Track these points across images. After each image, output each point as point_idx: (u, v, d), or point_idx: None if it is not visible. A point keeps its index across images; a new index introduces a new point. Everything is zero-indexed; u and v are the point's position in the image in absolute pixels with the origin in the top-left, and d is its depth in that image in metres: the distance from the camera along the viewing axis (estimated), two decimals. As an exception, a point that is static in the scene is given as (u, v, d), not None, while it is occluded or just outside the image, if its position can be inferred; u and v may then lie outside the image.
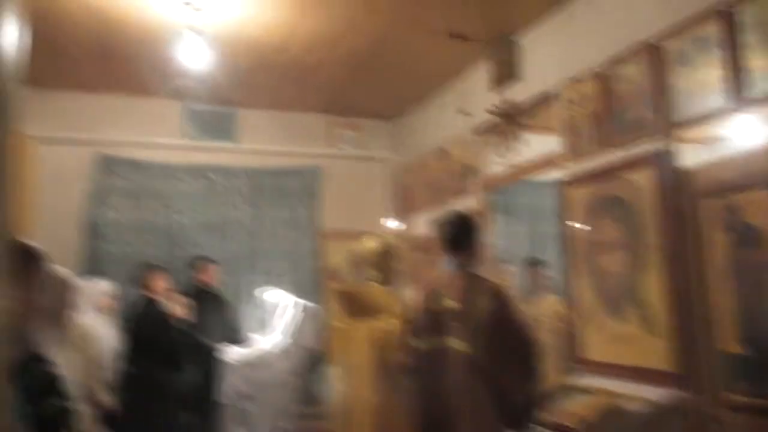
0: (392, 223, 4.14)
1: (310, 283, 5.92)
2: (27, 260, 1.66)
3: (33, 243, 1.74)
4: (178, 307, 4.66)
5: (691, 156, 3.81)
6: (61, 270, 2.03)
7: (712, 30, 2.75)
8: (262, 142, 5.95)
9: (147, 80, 5.11)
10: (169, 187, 5.64)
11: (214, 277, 5.23)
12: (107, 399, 4.13)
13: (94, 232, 5.38)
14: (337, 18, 4.02)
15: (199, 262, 5.25)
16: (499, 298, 2.75)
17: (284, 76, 5.04)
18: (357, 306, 3.46)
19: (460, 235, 2.97)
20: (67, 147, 5.34)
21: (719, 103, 2.73)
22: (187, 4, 3.76)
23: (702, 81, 2.82)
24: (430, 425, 2.85)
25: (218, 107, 5.83)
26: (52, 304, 1.88)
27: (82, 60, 4.70)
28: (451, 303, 2.85)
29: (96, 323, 4.22)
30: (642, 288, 3.16)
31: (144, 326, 4.38)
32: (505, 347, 2.70)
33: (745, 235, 2.66)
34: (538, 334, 4.58)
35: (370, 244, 3.51)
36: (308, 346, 5.10)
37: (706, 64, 2.79)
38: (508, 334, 2.71)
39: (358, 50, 4.54)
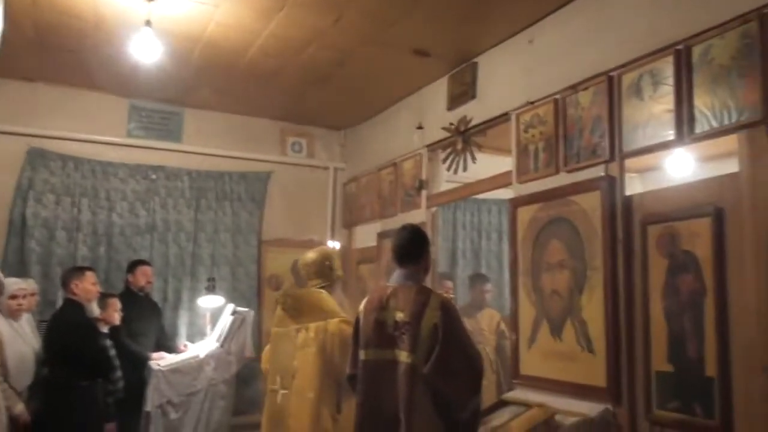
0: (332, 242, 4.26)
1: (249, 289, 5.83)
2: None
3: None
4: (108, 312, 4.51)
5: (637, 183, 4.02)
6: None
7: (666, 66, 2.92)
8: (209, 145, 5.83)
9: (92, 73, 4.96)
10: (107, 185, 5.43)
11: (148, 282, 5.08)
12: (20, 409, 3.89)
13: (19, 229, 5.10)
14: (302, 27, 4.01)
15: (133, 265, 5.09)
16: (447, 312, 2.79)
17: (238, 78, 4.97)
18: (302, 309, 3.54)
19: (411, 248, 3.02)
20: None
21: (666, 136, 2.90)
22: (147, -2, 3.68)
23: (652, 113, 2.98)
24: (375, 436, 2.86)
25: (165, 105, 5.70)
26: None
27: (23, 47, 4.48)
28: (399, 315, 2.87)
29: (3, 327, 3.98)
30: (582, 308, 3.28)
31: (67, 332, 4.16)
32: (451, 361, 2.74)
33: (681, 261, 2.82)
34: (481, 346, 4.72)
35: (311, 254, 3.69)
36: (242, 353, 5.01)
37: (658, 98, 2.96)
38: (454, 349, 2.75)
39: (320, 60, 4.54)
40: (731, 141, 2.68)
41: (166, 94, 5.43)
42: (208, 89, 5.26)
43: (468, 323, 5.04)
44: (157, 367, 4.63)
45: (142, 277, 5.03)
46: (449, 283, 5.62)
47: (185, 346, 5.21)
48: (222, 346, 4.90)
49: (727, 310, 2.60)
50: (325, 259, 3.68)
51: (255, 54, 4.47)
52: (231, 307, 5.14)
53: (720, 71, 2.68)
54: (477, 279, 5.58)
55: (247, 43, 4.29)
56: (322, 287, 3.60)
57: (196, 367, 4.76)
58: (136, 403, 4.52)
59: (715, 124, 2.68)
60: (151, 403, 4.53)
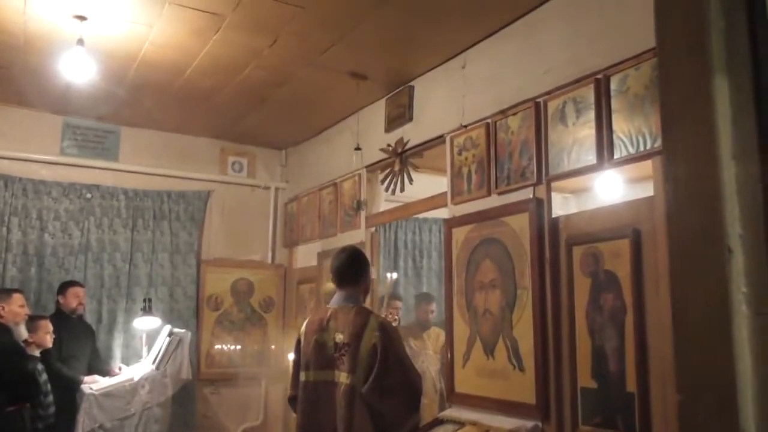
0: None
1: (188, 310, 5.73)
2: None
3: None
4: (39, 334, 4.37)
5: (572, 203, 4.16)
6: None
7: (588, 94, 3.05)
8: (147, 164, 5.74)
9: (23, 90, 4.84)
10: (39, 204, 5.28)
11: (80, 303, 4.94)
12: None
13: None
14: (239, 48, 4.01)
15: (63, 286, 4.95)
16: (386, 333, 2.86)
17: (176, 97, 4.93)
18: None
19: (350, 270, 3.09)
20: None
21: (589, 161, 3.02)
22: (81, 18, 3.62)
23: (576, 139, 3.11)
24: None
25: (101, 124, 5.59)
26: None
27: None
28: (339, 336, 2.92)
29: None
30: (513, 326, 3.37)
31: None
32: (390, 380, 2.80)
33: (603, 280, 2.94)
34: (425, 366, 4.77)
35: None
36: (178, 375, 4.93)
37: (580, 124, 3.09)
38: (393, 368, 2.81)
39: (258, 81, 4.55)
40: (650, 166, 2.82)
41: (102, 112, 5.33)
42: (144, 108, 5.19)
43: (414, 343, 5.10)
44: (89, 391, 4.52)
45: (74, 298, 4.90)
46: (398, 303, 5.66)
47: (120, 368, 5.08)
48: (158, 368, 4.81)
49: (645, 328, 2.71)
50: None
51: (192, 74, 4.45)
52: (168, 328, 5.06)
53: (635, 100, 2.82)
54: (422, 298, 5.63)
55: (184, 63, 4.27)
56: None
57: (130, 390, 4.66)
58: (68, 428, 4.40)
59: (632, 150, 2.82)
60: (81, 429, 4.42)
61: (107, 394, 4.56)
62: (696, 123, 1.11)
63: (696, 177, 1.11)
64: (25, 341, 4.26)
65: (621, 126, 2.88)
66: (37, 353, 4.34)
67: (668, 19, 1.17)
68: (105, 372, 4.93)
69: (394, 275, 4.53)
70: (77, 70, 3.85)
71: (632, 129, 2.82)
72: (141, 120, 5.55)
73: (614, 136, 2.91)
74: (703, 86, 1.10)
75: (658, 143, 2.69)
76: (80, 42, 3.71)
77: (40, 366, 4.29)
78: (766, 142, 1.04)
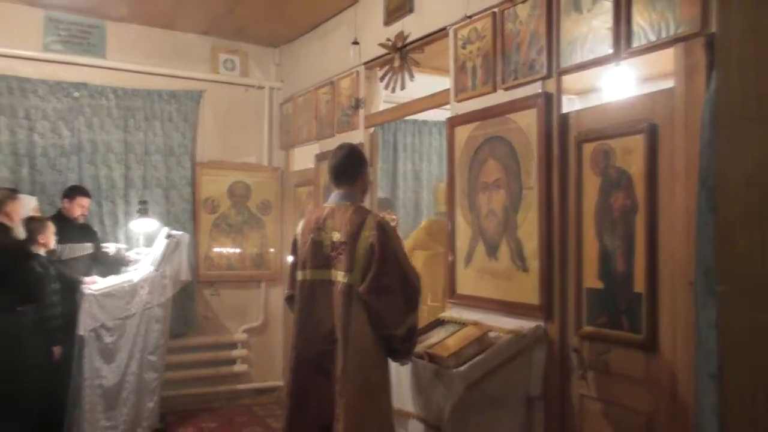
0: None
1: (184, 213, 5.66)
2: None
3: None
4: (47, 235, 4.33)
5: (574, 101, 3.96)
6: None
7: (606, -22, 2.81)
8: (135, 61, 5.48)
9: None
10: (26, 104, 5.08)
11: (83, 213, 4.89)
12: None
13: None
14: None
15: (72, 192, 4.86)
16: (383, 231, 2.79)
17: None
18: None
19: (347, 168, 2.99)
20: None
21: (603, 51, 2.83)
22: None
23: (591, 28, 2.89)
24: (312, 355, 2.86)
25: (84, 18, 5.29)
26: None
27: None
28: (335, 235, 2.85)
29: None
30: (517, 227, 3.29)
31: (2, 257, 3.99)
32: (387, 279, 2.75)
33: (614, 178, 2.82)
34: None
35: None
36: (177, 276, 4.93)
37: (596, 12, 2.86)
38: (390, 267, 2.75)
39: (249, -30, 4.24)
40: (668, 61, 2.63)
41: (84, 4, 5.02)
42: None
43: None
44: (89, 291, 4.53)
45: (78, 208, 4.86)
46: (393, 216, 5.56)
47: (136, 253, 5.10)
48: (157, 269, 4.80)
49: (656, 227, 2.62)
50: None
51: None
52: (165, 230, 5.01)
53: (660, -17, 2.60)
54: (384, 204, 5.44)
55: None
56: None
57: (129, 291, 4.67)
58: (69, 328, 4.45)
59: (652, 37, 2.62)
60: (83, 327, 4.47)
61: (107, 294, 4.58)
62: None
63: (753, 33, 0.96)
64: (31, 240, 4.22)
65: (642, 13, 2.67)
66: (42, 253, 4.31)
67: None
68: (119, 261, 4.99)
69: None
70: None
71: (654, 16, 2.61)
72: (126, 14, 5.24)
73: (633, 25, 2.70)
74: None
75: (682, 29, 2.50)
76: None
77: (47, 267, 4.29)
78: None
